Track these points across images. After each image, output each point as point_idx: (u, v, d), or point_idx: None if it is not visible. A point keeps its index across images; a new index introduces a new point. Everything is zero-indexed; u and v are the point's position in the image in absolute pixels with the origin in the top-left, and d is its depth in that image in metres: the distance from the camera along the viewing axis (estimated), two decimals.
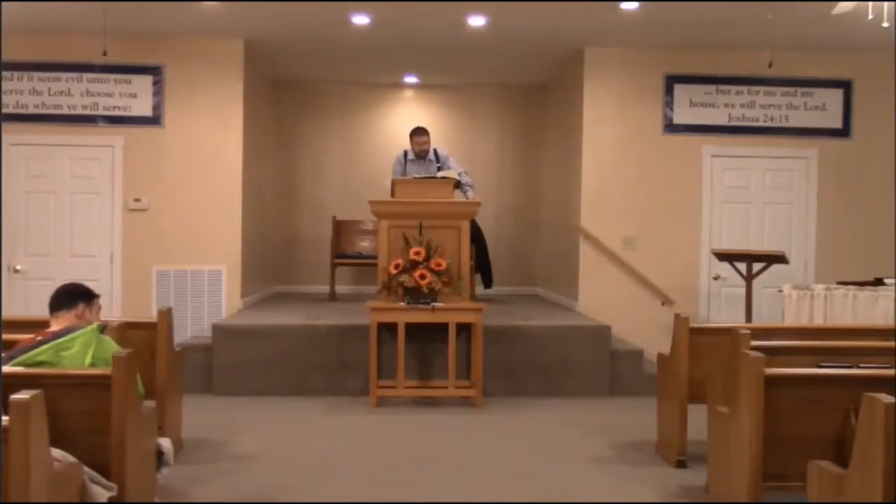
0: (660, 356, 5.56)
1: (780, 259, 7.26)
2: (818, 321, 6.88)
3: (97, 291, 4.18)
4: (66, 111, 8.39)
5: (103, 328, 3.94)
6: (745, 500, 3.77)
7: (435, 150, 8.31)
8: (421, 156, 8.23)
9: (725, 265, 7.79)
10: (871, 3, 5.55)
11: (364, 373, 6.83)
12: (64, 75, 8.37)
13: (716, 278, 8.65)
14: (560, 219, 9.68)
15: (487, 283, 8.80)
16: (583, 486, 4.79)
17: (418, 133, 8.25)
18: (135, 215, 8.44)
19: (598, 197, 8.65)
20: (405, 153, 8.31)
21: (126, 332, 4.72)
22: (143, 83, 8.44)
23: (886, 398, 2.85)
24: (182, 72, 8.46)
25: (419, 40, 8.53)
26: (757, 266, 7.34)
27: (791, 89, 8.72)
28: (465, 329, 6.89)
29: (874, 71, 8.69)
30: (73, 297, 4.01)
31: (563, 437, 5.91)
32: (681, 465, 5.11)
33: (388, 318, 6.67)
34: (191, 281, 8.45)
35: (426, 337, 6.91)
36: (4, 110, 8.18)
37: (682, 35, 8.15)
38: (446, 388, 6.78)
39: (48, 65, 8.35)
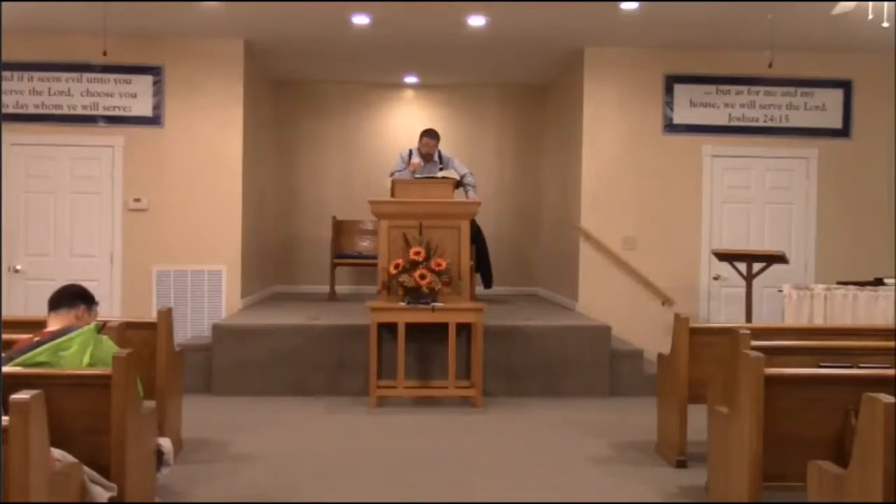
0: (660, 356, 5.56)
1: (780, 259, 7.26)
2: (818, 321, 6.88)
3: (97, 292, 4.18)
4: (66, 111, 8.39)
5: (101, 328, 3.94)
6: (745, 500, 3.77)
7: (439, 152, 8.30)
8: (425, 157, 8.21)
9: (725, 265, 7.79)
10: (871, 3, 5.55)
11: (364, 373, 6.83)
12: (64, 75, 8.36)
13: (716, 278, 8.65)
14: (560, 219, 9.68)
15: (487, 283, 8.80)
16: (583, 486, 4.79)
17: (429, 135, 8.21)
18: (135, 215, 8.44)
19: (598, 197, 8.65)
20: (410, 152, 8.28)
21: (126, 332, 4.72)
22: (143, 83, 8.44)
23: (886, 398, 2.85)
24: (182, 72, 8.46)
25: (419, 40, 8.53)
26: (757, 266, 7.34)
27: (791, 89, 8.72)
28: (465, 329, 6.89)
29: (874, 71, 8.69)
30: (75, 297, 4.01)
31: (563, 437, 5.91)
32: (681, 465, 5.11)
33: (388, 318, 6.67)
34: (191, 281, 8.44)
35: (426, 337, 6.91)
36: (4, 110, 8.18)
37: (682, 35, 8.15)
38: (446, 388, 6.78)
39: (48, 65, 8.35)
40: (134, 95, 8.43)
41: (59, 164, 8.41)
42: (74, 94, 8.38)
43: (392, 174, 8.01)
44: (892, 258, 8.18)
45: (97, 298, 4.15)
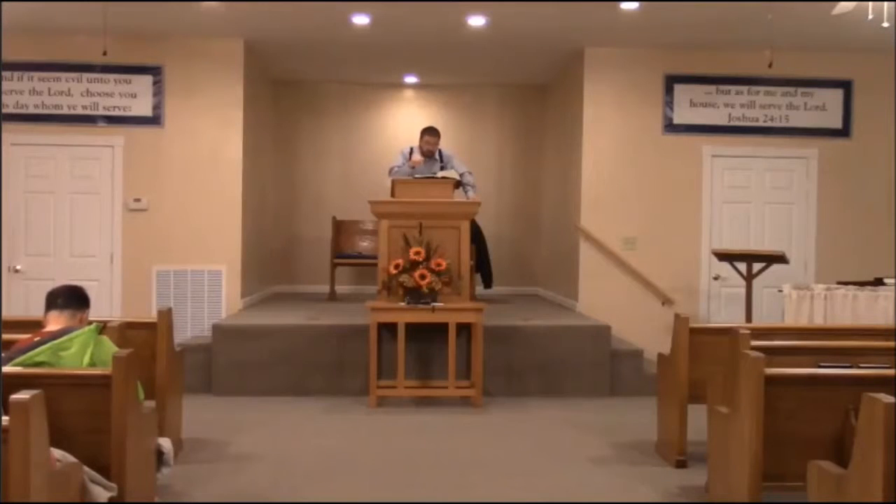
0: (660, 356, 5.56)
1: (780, 259, 7.26)
2: (818, 321, 6.88)
3: (97, 292, 4.19)
4: (66, 111, 8.39)
5: (101, 328, 3.94)
6: (745, 500, 3.77)
7: (440, 151, 8.30)
8: (426, 155, 8.21)
9: (725, 265, 7.79)
10: (871, 3, 5.54)
11: (364, 373, 6.83)
12: (64, 75, 8.36)
13: (716, 278, 8.65)
14: (560, 219, 9.68)
15: (487, 283, 8.80)
16: (583, 486, 4.79)
17: (430, 132, 8.21)
18: (135, 215, 8.44)
19: (598, 197, 8.65)
20: (411, 150, 8.27)
21: (126, 332, 4.73)
22: (143, 83, 8.44)
23: (886, 398, 2.85)
24: (182, 72, 8.46)
25: (419, 40, 8.53)
26: (757, 266, 7.34)
27: (791, 89, 8.73)
28: (465, 329, 6.88)
29: (874, 71, 8.69)
30: (82, 301, 4.02)
31: (563, 437, 5.91)
32: (681, 465, 5.11)
33: (388, 318, 6.67)
34: (191, 281, 8.44)
35: (426, 337, 6.91)
36: (4, 110, 8.17)
37: (682, 35, 8.15)
38: (446, 388, 6.78)
39: (48, 65, 8.35)
40: (134, 95, 8.43)
41: (59, 164, 8.41)
42: (74, 94, 8.38)
43: (391, 169, 8.01)
44: (892, 258, 8.18)
45: (97, 299, 4.15)
